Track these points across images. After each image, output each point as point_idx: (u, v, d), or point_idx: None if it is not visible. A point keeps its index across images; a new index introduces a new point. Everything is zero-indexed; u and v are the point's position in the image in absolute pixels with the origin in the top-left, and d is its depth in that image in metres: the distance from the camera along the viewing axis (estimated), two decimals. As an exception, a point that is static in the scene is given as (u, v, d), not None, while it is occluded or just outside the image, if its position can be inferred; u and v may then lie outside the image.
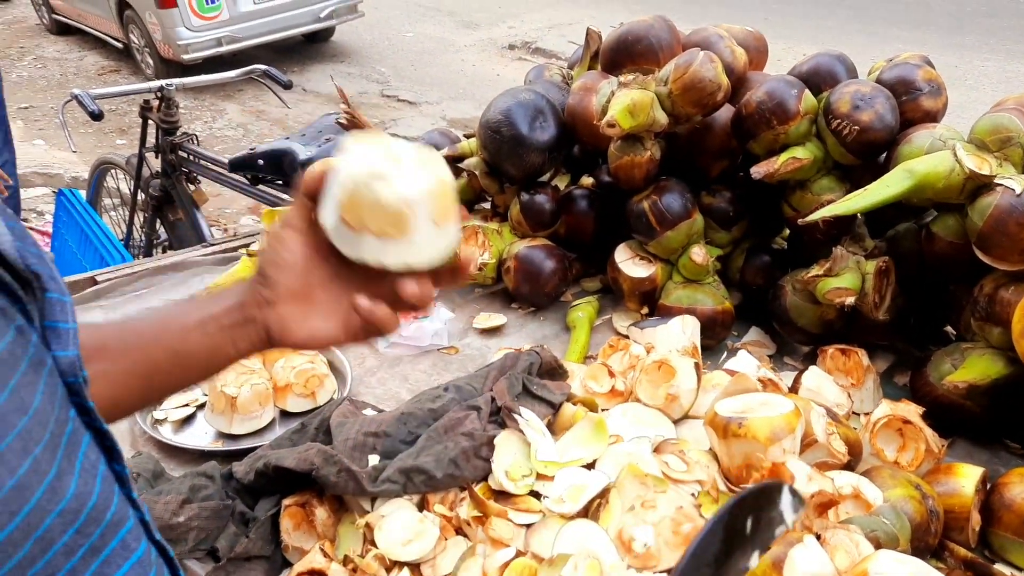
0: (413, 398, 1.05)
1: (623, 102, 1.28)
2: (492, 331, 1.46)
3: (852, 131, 1.24)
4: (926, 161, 1.14)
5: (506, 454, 0.93)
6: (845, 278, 1.26)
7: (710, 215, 1.44)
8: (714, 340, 1.39)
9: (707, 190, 1.46)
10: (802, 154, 1.30)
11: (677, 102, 1.31)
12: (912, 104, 1.29)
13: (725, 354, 1.39)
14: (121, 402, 0.64)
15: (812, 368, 1.20)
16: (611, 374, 1.18)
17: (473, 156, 1.57)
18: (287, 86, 2.16)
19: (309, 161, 1.53)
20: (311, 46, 6.78)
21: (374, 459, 0.92)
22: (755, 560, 0.55)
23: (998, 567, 0.94)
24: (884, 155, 1.27)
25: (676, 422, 1.09)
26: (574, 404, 1.13)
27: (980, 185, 1.11)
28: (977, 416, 1.17)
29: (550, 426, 1.06)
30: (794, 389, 1.18)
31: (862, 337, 1.34)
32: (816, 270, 1.29)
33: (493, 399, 1.00)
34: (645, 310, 1.45)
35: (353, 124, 1.48)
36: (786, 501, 0.58)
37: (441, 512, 0.88)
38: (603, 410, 1.11)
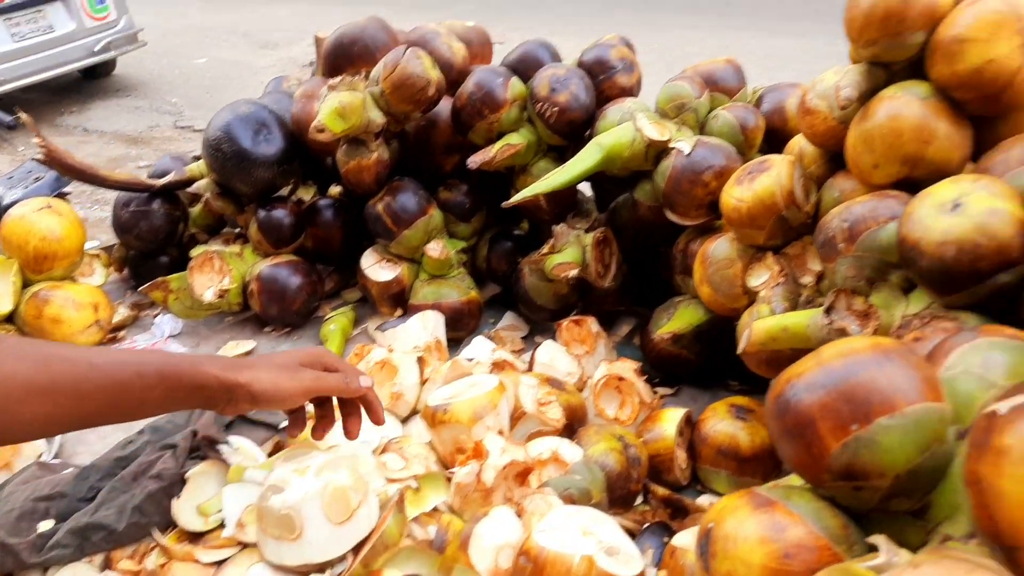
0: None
1: (331, 105, 1.26)
2: (242, 358, 1.38)
3: (552, 112, 1.29)
4: (612, 133, 1.21)
5: (203, 489, 0.88)
6: (568, 253, 1.32)
7: (448, 209, 1.46)
8: (465, 331, 1.41)
9: (443, 185, 1.47)
10: (516, 140, 1.34)
11: (391, 100, 1.31)
12: (609, 82, 1.37)
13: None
14: (47, 433, 0.68)
15: (546, 342, 1.24)
16: (350, 382, 1.16)
17: (204, 178, 1.49)
18: (10, 127, 1.94)
19: (14, 204, 1.38)
20: (92, 82, 6.23)
21: (46, 524, 0.83)
22: None
23: (704, 498, 1.01)
24: (588, 132, 1.34)
25: (406, 419, 1.08)
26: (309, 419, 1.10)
27: (661, 150, 1.20)
28: (694, 362, 1.26)
29: (280, 448, 1.03)
30: (531, 365, 1.22)
31: (598, 306, 1.41)
32: (544, 249, 1.34)
33: (196, 433, 0.94)
34: (399, 312, 1.45)
35: (52, 158, 1.35)
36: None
37: (127, 568, 0.81)
38: (333, 420, 1.08)
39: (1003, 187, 0.73)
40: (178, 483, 0.87)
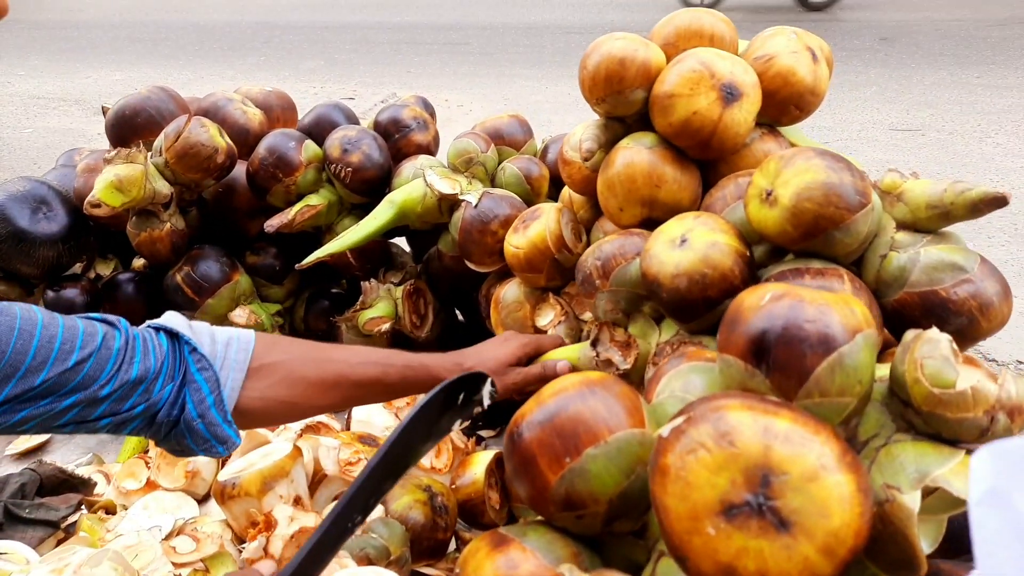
0: None
1: (107, 179, 1.21)
2: (33, 452, 1.28)
3: (347, 172, 1.32)
4: (404, 190, 1.25)
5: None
6: (379, 307, 1.33)
7: (258, 273, 1.43)
8: (282, 396, 1.38)
9: (251, 249, 1.45)
10: (316, 200, 1.35)
11: (177, 170, 1.28)
12: (405, 140, 1.42)
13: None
14: (325, 412, 0.92)
15: (361, 400, 1.24)
16: (148, 466, 1.10)
17: (-19, 263, 1.38)
18: None
19: None
20: None
21: None
22: (456, 425, 0.78)
23: (514, 537, 1.04)
24: (388, 189, 1.37)
25: (205, 498, 1.04)
26: (93, 512, 1.03)
27: (453, 203, 1.25)
28: (514, 402, 1.30)
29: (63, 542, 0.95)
30: (347, 424, 1.21)
31: (418, 356, 1.43)
32: (356, 305, 1.35)
33: (-52, 545, 0.85)
34: (212, 384, 1.39)
35: None
36: (487, 391, 0.82)
37: None
38: (123, 507, 1.02)
39: (720, 222, 0.82)
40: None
